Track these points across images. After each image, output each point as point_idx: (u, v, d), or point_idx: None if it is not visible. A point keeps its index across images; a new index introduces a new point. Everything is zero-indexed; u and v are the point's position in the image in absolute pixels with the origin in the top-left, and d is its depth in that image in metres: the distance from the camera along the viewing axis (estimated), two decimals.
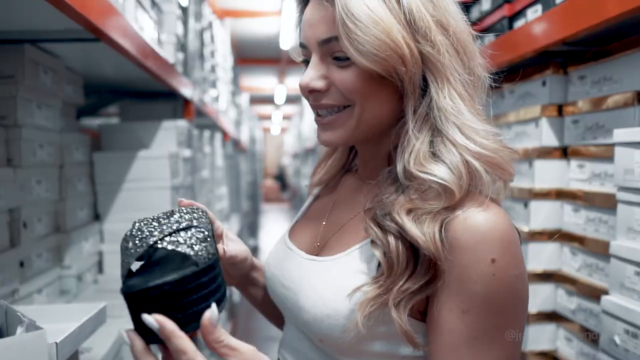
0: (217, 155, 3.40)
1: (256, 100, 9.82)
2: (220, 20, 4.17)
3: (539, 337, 1.28)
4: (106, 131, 1.88)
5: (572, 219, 1.21)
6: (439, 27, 0.67)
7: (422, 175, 0.66)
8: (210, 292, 0.60)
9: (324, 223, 0.82)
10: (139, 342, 0.58)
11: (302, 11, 0.76)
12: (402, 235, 0.65)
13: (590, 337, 1.13)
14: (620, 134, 0.96)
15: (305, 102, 0.81)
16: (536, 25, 1.16)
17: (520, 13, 1.31)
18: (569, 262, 1.22)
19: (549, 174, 1.26)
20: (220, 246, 0.81)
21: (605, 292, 1.02)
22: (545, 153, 1.27)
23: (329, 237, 0.79)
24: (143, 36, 1.33)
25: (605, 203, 1.08)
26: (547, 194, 1.27)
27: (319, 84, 0.72)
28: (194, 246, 0.62)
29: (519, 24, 1.31)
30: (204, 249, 0.62)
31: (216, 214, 3.30)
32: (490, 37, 1.47)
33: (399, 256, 0.65)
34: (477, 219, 0.64)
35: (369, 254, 0.70)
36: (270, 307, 0.93)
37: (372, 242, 0.68)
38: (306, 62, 0.75)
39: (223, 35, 3.99)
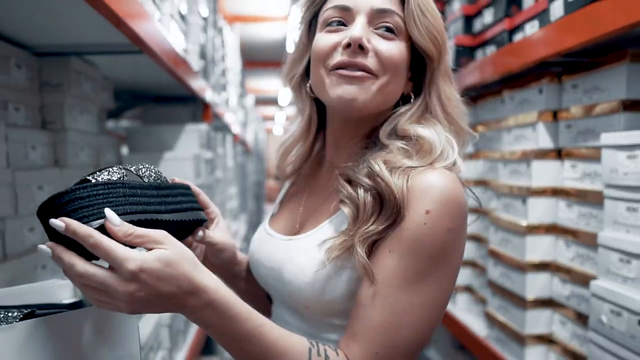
0: (228, 156, 3.53)
1: (260, 101, 9.96)
2: (230, 25, 4.29)
3: (536, 322, 1.41)
4: (132, 133, 2.01)
5: (566, 214, 1.34)
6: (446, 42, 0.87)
7: (411, 131, 0.79)
8: (118, 204, 0.66)
9: (300, 209, 0.93)
10: (59, 247, 0.63)
11: None
12: (370, 187, 0.76)
13: (582, 320, 1.26)
14: (606, 138, 1.09)
15: None
16: (534, 39, 1.29)
17: (519, 27, 1.43)
18: (563, 253, 1.35)
19: (545, 173, 1.39)
20: (201, 233, 0.88)
21: (595, 279, 1.15)
22: (541, 154, 1.39)
23: (305, 220, 0.90)
24: (176, 47, 1.45)
25: (595, 199, 1.20)
26: (543, 192, 1.39)
27: (367, 44, 0.80)
28: (99, 174, 0.70)
29: (518, 37, 1.44)
30: (108, 174, 0.70)
31: (227, 212, 3.42)
32: (492, 48, 1.60)
33: (366, 205, 0.75)
34: (425, 177, 0.74)
35: (338, 223, 0.81)
36: (254, 299, 1.02)
37: (342, 201, 0.79)
38: (338, 22, 0.83)
39: (233, 40, 4.12)
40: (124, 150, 2.04)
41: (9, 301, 0.76)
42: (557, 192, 1.38)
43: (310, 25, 0.90)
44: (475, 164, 1.92)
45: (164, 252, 0.64)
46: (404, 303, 0.72)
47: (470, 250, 1.95)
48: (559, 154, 1.39)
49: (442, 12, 2.05)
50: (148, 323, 1.27)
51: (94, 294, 0.63)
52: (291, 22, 4.67)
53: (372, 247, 0.76)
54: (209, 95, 2.14)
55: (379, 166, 0.76)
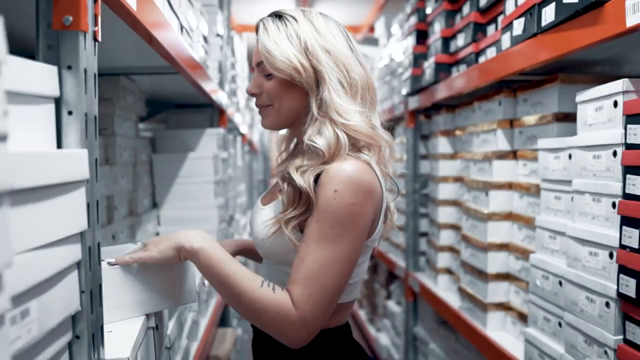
0: (238, 156, 3.85)
1: None
2: (239, 34, 4.61)
3: (497, 292, 1.73)
4: (159, 137, 2.34)
5: (519, 203, 1.65)
6: (324, 51, 1.06)
7: (310, 143, 1.06)
8: None
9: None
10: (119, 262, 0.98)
11: None
12: (291, 183, 1.05)
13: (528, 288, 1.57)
14: (541, 143, 1.40)
15: None
16: (492, 62, 1.61)
17: (482, 51, 1.75)
18: (517, 235, 1.66)
19: (503, 170, 1.71)
20: None
21: (534, 253, 1.46)
22: (500, 155, 1.71)
23: (272, 198, 1.19)
24: (203, 66, 1.77)
25: (538, 191, 1.52)
26: (501, 186, 1.71)
27: (255, 90, 1.13)
28: None
29: (482, 59, 1.75)
30: None
31: (237, 208, 3.75)
32: (463, 67, 1.92)
33: (288, 196, 1.05)
34: (339, 166, 1.01)
35: (278, 206, 1.10)
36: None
37: (280, 191, 1.09)
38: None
39: (242, 49, 4.44)
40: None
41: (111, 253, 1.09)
42: (512, 186, 1.69)
43: None
44: (454, 163, 2.23)
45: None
46: (326, 257, 0.98)
47: (450, 238, 2.27)
48: (514, 154, 1.70)
49: (425, 32, 2.40)
50: None
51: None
52: None
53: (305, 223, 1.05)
54: (225, 103, 2.46)
55: (292, 171, 1.06)
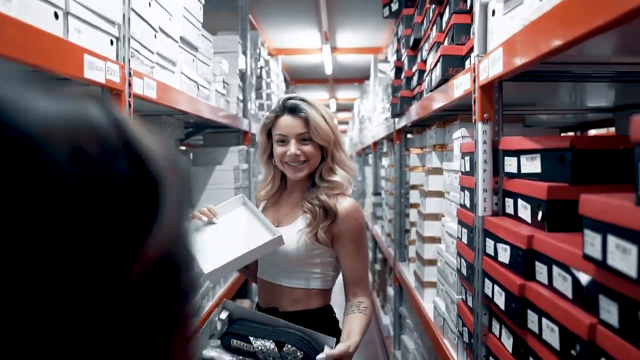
0: None
1: None
2: (274, 57, 5.31)
3: (430, 274, 2.30)
4: (196, 153, 3.06)
5: (447, 207, 2.22)
6: (336, 127, 1.74)
7: (330, 178, 1.70)
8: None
9: (276, 214, 1.81)
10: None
11: (275, 119, 1.74)
12: (320, 205, 1.67)
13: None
14: (444, 165, 1.97)
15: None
16: (419, 105, 2.18)
17: (422, 93, 2.32)
18: (444, 230, 2.23)
19: (435, 182, 2.27)
20: None
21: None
22: (433, 171, 2.28)
23: (281, 220, 1.78)
24: (219, 105, 2.46)
25: None
26: (433, 193, 2.27)
27: (298, 152, 1.71)
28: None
29: (422, 98, 2.33)
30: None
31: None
32: (415, 102, 2.49)
33: (319, 213, 1.66)
34: (350, 202, 1.67)
35: (304, 221, 1.72)
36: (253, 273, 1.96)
37: (304, 211, 1.72)
38: (282, 141, 1.74)
39: (277, 70, 5.14)
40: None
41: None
42: (441, 194, 2.26)
43: (268, 135, 1.80)
44: (421, 174, 2.80)
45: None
46: (363, 259, 1.66)
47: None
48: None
49: (401, 69, 2.98)
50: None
51: None
52: (324, 54, 5.66)
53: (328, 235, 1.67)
54: (246, 126, 3.15)
55: (324, 196, 1.68)
